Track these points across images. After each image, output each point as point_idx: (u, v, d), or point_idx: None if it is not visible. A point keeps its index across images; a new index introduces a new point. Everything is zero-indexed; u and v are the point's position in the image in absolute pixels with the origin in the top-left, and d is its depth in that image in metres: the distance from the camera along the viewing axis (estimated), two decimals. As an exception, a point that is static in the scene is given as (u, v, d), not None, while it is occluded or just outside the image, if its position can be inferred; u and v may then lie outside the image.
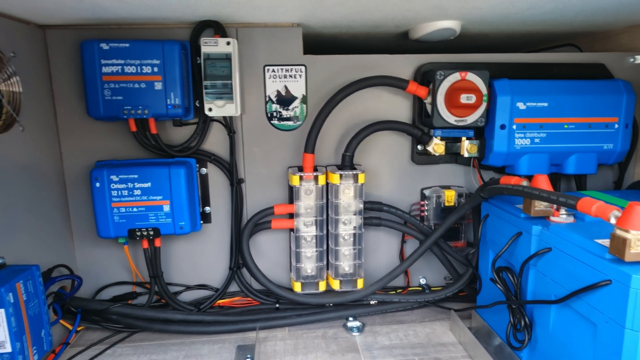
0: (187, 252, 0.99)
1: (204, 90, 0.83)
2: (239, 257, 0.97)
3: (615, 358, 0.52)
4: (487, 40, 1.19)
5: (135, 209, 0.85)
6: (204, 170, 0.95)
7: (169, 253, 0.98)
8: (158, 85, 0.82)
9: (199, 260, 1.00)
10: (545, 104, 0.89)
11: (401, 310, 0.99)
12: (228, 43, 0.82)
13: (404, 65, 0.95)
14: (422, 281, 1.04)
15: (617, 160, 0.95)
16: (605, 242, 0.56)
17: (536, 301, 0.67)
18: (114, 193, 0.84)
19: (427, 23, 0.95)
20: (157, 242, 0.91)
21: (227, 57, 0.82)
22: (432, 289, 1.02)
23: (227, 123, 0.92)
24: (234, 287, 1.01)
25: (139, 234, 0.86)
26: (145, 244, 0.90)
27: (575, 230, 0.62)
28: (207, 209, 0.97)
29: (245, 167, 0.97)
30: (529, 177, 0.99)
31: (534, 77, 0.93)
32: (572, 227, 0.64)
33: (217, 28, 0.86)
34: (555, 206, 0.69)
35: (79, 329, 0.91)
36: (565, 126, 0.91)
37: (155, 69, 0.81)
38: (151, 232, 0.87)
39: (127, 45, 0.81)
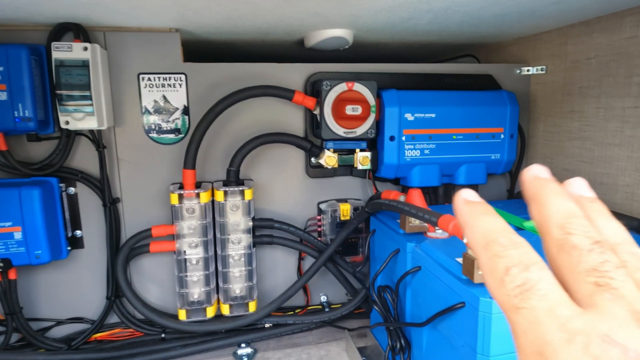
0: (56, 282, 0.88)
1: (58, 102, 0.74)
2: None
3: (472, 384, 0.49)
4: (388, 51, 1.18)
5: (-21, 238, 0.74)
6: (71, 190, 0.85)
7: (34, 284, 0.86)
8: (2, 96, 0.72)
9: (71, 291, 0.89)
10: (433, 115, 0.89)
11: (297, 332, 0.94)
12: (85, 48, 0.73)
13: (294, 74, 0.91)
14: (323, 299, 1.00)
15: (505, 170, 0.96)
16: (464, 260, 0.54)
17: (406, 323, 0.64)
18: (-49, 220, 0.72)
19: (317, 31, 0.91)
20: (12, 274, 0.79)
21: (85, 64, 0.73)
22: (333, 306, 0.98)
23: (96, 137, 0.83)
24: (114, 318, 0.91)
25: (-15, 266, 0.75)
26: (-2, 277, 0.78)
27: (441, 248, 0.60)
28: (78, 233, 0.86)
29: (122, 185, 0.88)
30: (426, 189, 0.99)
31: (425, 88, 0.93)
32: (442, 244, 0.62)
33: (78, 31, 0.77)
34: (430, 221, 0.67)
35: None
36: (454, 137, 0.91)
37: (-2, 77, 0.71)
38: (0, 264, 0.75)
39: (-40, 49, 0.70)
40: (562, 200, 0.21)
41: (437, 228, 0.67)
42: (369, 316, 0.89)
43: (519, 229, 0.69)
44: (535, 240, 0.61)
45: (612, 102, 0.82)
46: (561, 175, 0.96)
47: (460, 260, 0.54)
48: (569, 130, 0.93)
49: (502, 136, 0.93)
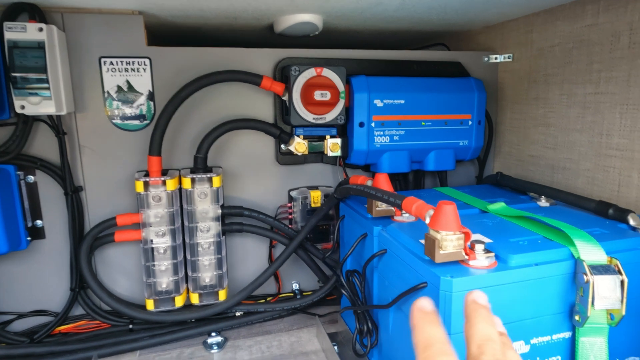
0: (17, 274, 0.85)
1: (12, 85, 0.70)
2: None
3: (434, 362, 0.50)
4: (359, 39, 1.18)
5: None
6: (30, 178, 0.82)
7: (-8, 277, 0.83)
8: (-49, 78, 0.68)
9: (33, 282, 0.86)
10: (402, 101, 0.89)
11: (269, 319, 0.93)
12: (41, 29, 0.70)
13: (263, 60, 0.90)
14: (295, 286, 1.00)
15: (473, 156, 0.98)
16: (428, 242, 0.54)
17: (372, 306, 0.64)
18: None
19: (286, 16, 0.90)
20: (-33, 266, 0.76)
21: (41, 46, 0.70)
22: (304, 294, 0.98)
23: (55, 123, 0.80)
24: (79, 310, 0.89)
25: (-64, 258, 0.71)
26: (-49, 269, 0.75)
27: (406, 231, 0.60)
28: (39, 222, 0.83)
29: (84, 173, 0.85)
30: (396, 175, 1.00)
31: (394, 75, 0.93)
32: (408, 227, 0.63)
33: (33, 12, 0.74)
34: (397, 205, 0.68)
35: None
36: (423, 123, 0.91)
37: (-55, 59, 0.67)
38: (-46, 255, 0.72)
39: None
40: (486, 325, 0.30)
41: (403, 211, 0.68)
42: (340, 302, 0.90)
43: (483, 212, 0.71)
44: (499, 221, 0.62)
45: (574, 89, 0.85)
46: (527, 161, 0.98)
47: (423, 241, 0.55)
48: (534, 117, 0.95)
49: (470, 123, 0.94)
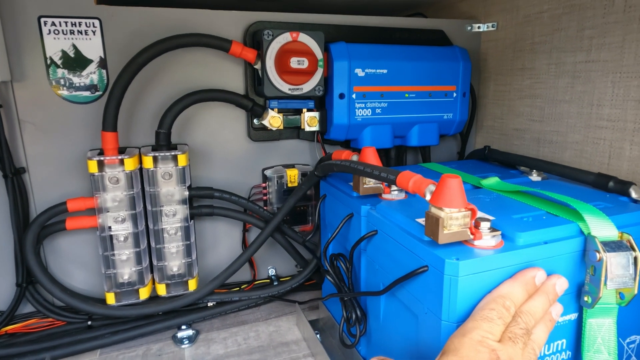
0: (-50, 270, 0.74)
1: None
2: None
3: (434, 350, 0.45)
4: (334, 8, 1.09)
5: None
6: (-40, 159, 0.70)
7: None
8: None
9: (-29, 279, 0.75)
10: (385, 71, 0.82)
11: (244, 309, 0.87)
12: (-40, -22, 0.58)
13: (231, 23, 0.80)
14: (271, 272, 0.93)
15: (457, 130, 0.93)
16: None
17: (363, 293, 0.59)
18: None
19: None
20: None
21: (-39, -1, 0.58)
22: (282, 279, 0.91)
23: (-13, 94, 0.68)
24: (28, 308, 0.79)
25: None
26: None
27: (399, 209, 0.54)
28: (-26, 210, 0.72)
29: (27, 152, 0.74)
30: (378, 151, 0.94)
31: (375, 43, 0.86)
32: (399, 204, 0.57)
33: (-49, -42, 0.61)
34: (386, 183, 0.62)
35: None
36: (407, 95, 0.85)
37: None
38: None
39: None
40: (543, 301, 0.43)
41: (392, 189, 0.62)
42: (321, 287, 0.84)
43: (476, 187, 0.66)
44: (496, 197, 0.56)
45: (564, 57, 0.80)
46: (511, 135, 0.94)
47: (421, 221, 0.49)
48: (520, 89, 0.91)
49: (455, 95, 0.89)
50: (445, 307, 0.43)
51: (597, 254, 0.45)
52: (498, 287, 0.42)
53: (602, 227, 0.46)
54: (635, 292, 0.45)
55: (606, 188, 0.61)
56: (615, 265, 0.45)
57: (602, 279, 0.45)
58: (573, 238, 0.47)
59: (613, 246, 0.45)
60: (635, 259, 0.45)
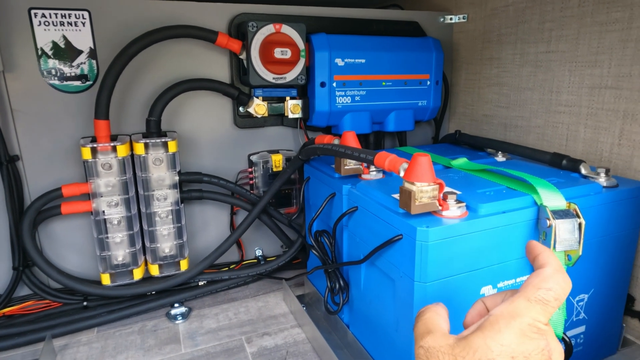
0: (-53, 256, 0.76)
1: None
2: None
3: (409, 310, 0.51)
4: (316, 0, 1.13)
5: None
6: (-45, 148, 0.72)
7: None
8: None
9: (-33, 264, 0.78)
10: (363, 61, 0.88)
11: (234, 287, 0.92)
12: (-46, -29, 0.60)
13: (216, 15, 0.84)
14: (258, 252, 0.99)
15: (431, 117, 0.99)
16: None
17: (345, 263, 0.65)
18: None
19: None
20: None
21: (-44, -8, 0.61)
22: (268, 259, 0.97)
23: (-20, 84, 0.70)
24: (25, 290, 0.82)
25: None
26: None
27: (377, 187, 0.60)
28: (-31, 197, 0.75)
29: (20, 140, 0.76)
30: (357, 137, 0.99)
31: (353, 34, 0.91)
32: (377, 183, 0.63)
33: (-58, -49, 0.63)
34: (365, 164, 0.67)
35: None
36: (383, 83, 0.91)
37: None
38: None
39: None
40: (564, 286, 0.35)
41: (371, 169, 0.67)
42: (306, 266, 0.90)
43: (446, 167, 0.72)
44: (463, 175, 0.63)
45: (527, 48, 0.87)
46: (481, 120, 1.01)
47: (396, 196, 0.55)
48: (488, 77, 0.98)
49: (429, 83, 0.95)
50: (418, 270, 0.49)
51: (548, 221, 0.51)
52: (552, 266, 0.35)
53: (552, 198, 0.53)
54: (580, 253, 0.52)
55: (560, 166, 0.68)
56: (563, 230, 0.51)
57: (552, 242, 0.51)
58: (528, 208, 0.53)
59: (561, 214, 0.52)
60: (580, 224, 0.52)
